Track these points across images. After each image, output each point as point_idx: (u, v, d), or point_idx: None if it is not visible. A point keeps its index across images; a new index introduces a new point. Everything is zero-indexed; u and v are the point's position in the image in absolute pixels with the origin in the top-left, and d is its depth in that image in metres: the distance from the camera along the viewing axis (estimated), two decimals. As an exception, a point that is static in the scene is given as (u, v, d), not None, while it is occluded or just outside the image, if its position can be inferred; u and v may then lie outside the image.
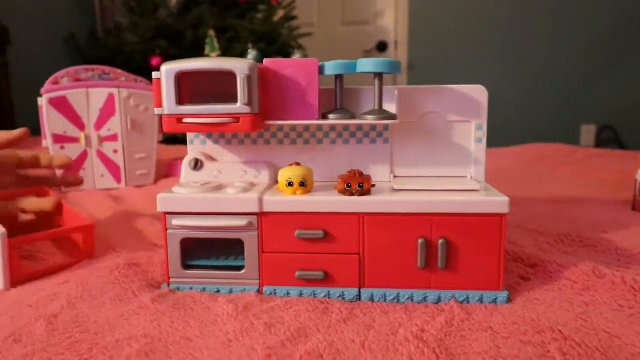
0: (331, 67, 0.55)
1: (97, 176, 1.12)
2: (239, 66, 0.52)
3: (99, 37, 2.90)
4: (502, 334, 0.43)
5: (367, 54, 3.39)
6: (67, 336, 0.44)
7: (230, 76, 0.52)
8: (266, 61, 0.56)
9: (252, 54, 2.26)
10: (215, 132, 0.59)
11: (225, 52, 2.24)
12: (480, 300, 0.50)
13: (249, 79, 0.52)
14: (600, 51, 2.98)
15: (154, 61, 2.18)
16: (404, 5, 3.28)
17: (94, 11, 2.96)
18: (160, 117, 0.55)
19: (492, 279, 0.50)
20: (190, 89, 0.54)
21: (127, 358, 0.40)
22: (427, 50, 3.25)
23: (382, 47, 3.38)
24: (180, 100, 0.53)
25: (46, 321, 0.46)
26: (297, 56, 2.50)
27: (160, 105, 0.54)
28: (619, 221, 0.78)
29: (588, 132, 3.11)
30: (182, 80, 0.53)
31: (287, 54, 2.51)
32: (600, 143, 3.04)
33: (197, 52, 2.23)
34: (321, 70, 0.55)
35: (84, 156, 1.10)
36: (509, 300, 0.50)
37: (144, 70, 1.98)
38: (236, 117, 0.53)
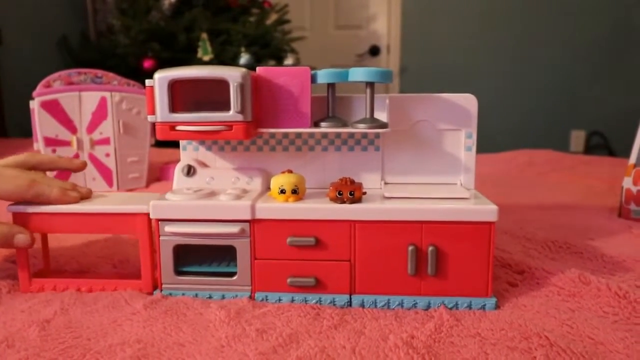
0: (323, 76, 0.56)
1: (89, 180, 1.12)
2: (232, 74, 0.52)
3: (91, 39, 2.90)
4: (489, 340, 0.44)
5: (360, 57, 3.41)
6: (60, 341, 0.44)
7: (223, 84, 0.53)
8: (259, 69, 0.56)
9: (244, 57, 2.26)
10: (208, 139, 0.59)
11: (218, 56, 2.25)
12: (469, 307, 0.51)
13: (241, 87, 0.52)
14: (591, 57, 3.01)
15: (147, 64, 2.17)
16: (396, 10, 3.30)
17: (85, 13, 2.95)
18: (153, 123, 0.55)
19: (480, 285, 0.51)
20: (184, 96, 0.55)
21: (120, 364, 0.41)
22: (419, 54, 3.27)
23: (374, 51, 3.40)
24: (174, 108, 0.54)
25: (39, 326, 0.47)
26: (289, 60, 2.50)
27: (153, 113, 0.54)
28: (605, 228, 0.79)
29: (577, 137, 3.15)
30: (175, 87, 0.54)
31: (279, 58, 2.52)
32: (589, 149, 3.08)
33: (190, 55, 2.23)
34: (313, 78, 0.56)
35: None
36: (497, 306, 0.51)
37: (136, 73, 1.99)
38: (229, 125, 0.53)
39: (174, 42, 2.29)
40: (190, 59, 2.21)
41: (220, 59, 2.26)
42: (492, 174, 1.34)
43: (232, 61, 2.26)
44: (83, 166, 0.65)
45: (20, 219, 0.56)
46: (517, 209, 0.94)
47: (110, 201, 0.58)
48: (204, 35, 2.23)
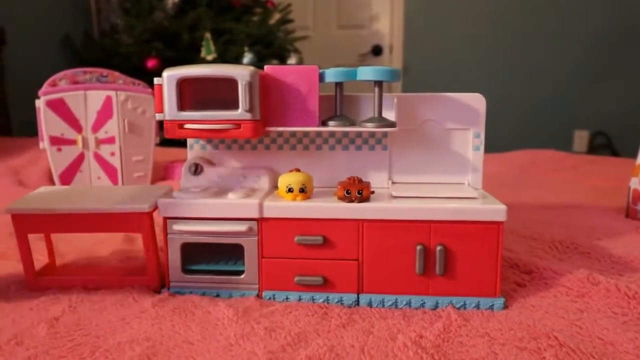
0: (331, 75, 0.55)
1: (94, 178, 1.12)
2: (241, 73, 0.52)
3: (94, 38, 2.90)
4: (498, 340, 0.44)
5: (362, 57, 3.40)
6: (69, 339, 0.44)
7: (231, 83, 0.53)
8: (267, 68, 0.56)
9: (248, 57, 2.26)
10: (216, 137, 0.59)
11: (221, 55, 2.24)
12: (477, 307, 0.51)
13: (250, 85, 0.52)
14: (594, 57, 3.00)
15: (150, 63, 2.17)
16: (399, 10, 3.30)
17: (89, 12, 2.96)
18: (158, 120, 0.55)
19: (488, 285, 0.51)
20: (192, 94, 0.55)
21: (130, 362, 0.41)
22: (421, 55, 3.26)
23: (377, 51, 3.39)
24: (182, 106, 0.54)
25: (48, 324, 0.47)
26: (292, 59, 2.50)
27: (161, 111, 0.54)
28: (612, 228, 0.79)
29: (581, 137, 3.14)
30: (184, 86, 0.54)
31: (282, 57, 2.52)
32: (593, 149, 3.06)
33: (193, 54, 2.23)
34: (321, 77, 0.56)
35: (80, 158, 1.10)
36: (505, 306, 0.51)
37: (140, 72, 1.98)
38: (237, 123, 0.53)
39: (177, 41, 2.29)
40: (194, 59, 2.20)
41: (223, 59, 2.25)
42: (496, 174, 1.34)
43: (236, 60, 2.26)
44: None
45: (20, 220, 0.55)
46: (522, 209, 0.94)
47: (112, 198, 0.57)
48: (208, 35, 2.23)
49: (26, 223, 0.55)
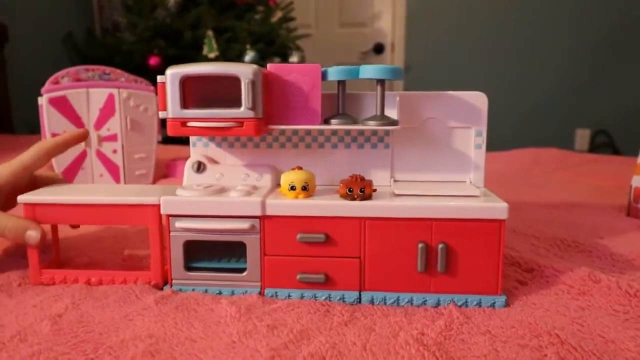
0: (334, 73, 0.56)
1: (96, 176, 1.12)
2: (244, 71, 0.53)
3: (97, 36, 2.90)
4: (500, 337, 0.44)
5: (364, 55, 3.40)
6: (73, 336, 0.45)
7: (234, 81, 0.53)
8: (270, 66, 0.57)
9: (250, 54, 2.26)
10: (219, 135, 0.59)
11: (224, 53, 2.25)
12: (479, 304, 0.51)
13: (253, 83, 0.52)
14: (596, 55, 3.00)
15: (152, 61, 2.18)
16: (401, 8, 3.30)
17: (91, 10, 2.96)
18: (159, 117, 0.55)
19: (490, 283, 0.51)
20: (195, 92, 0.55)
21: (133, 358, 0.41)
22: (423, 53, 3.27)
23: (379, 49, 3.39)
24: (185, 104, 0.54)
25: (51, 321, 0.47)
26: (294, 57, 2.51)
27: (164, 109, 0.55)
28: (613, 226, 0.79)
29: (582, 136, 3.14)
30: (187, 84, 0.54)
31: (284, 55, 2.52)
32: (594, 147, 3.07)
33: (196, 52, 2.23)
34: (324, 75, 0.56)
35: (83, 156, 1.10)
36: (507, 304, 0.51)
37: (142, 70, 1.99)
38: (240, 122, 0.53)
39: (179, 39, 2.29)
40: (196, 56, 2.21)
41: (225, 56, 2.26)
42: (498, 172, 1.34)
43: (238, 58, 2.26)
44: (85, 134, 0.67)
45: (30, 209, 0.56)
46: (523, 207, 0.94)
47: (121, 193, 0.58)
48: (210, 33, 2.23)
49: (37, 213, 0.56)
